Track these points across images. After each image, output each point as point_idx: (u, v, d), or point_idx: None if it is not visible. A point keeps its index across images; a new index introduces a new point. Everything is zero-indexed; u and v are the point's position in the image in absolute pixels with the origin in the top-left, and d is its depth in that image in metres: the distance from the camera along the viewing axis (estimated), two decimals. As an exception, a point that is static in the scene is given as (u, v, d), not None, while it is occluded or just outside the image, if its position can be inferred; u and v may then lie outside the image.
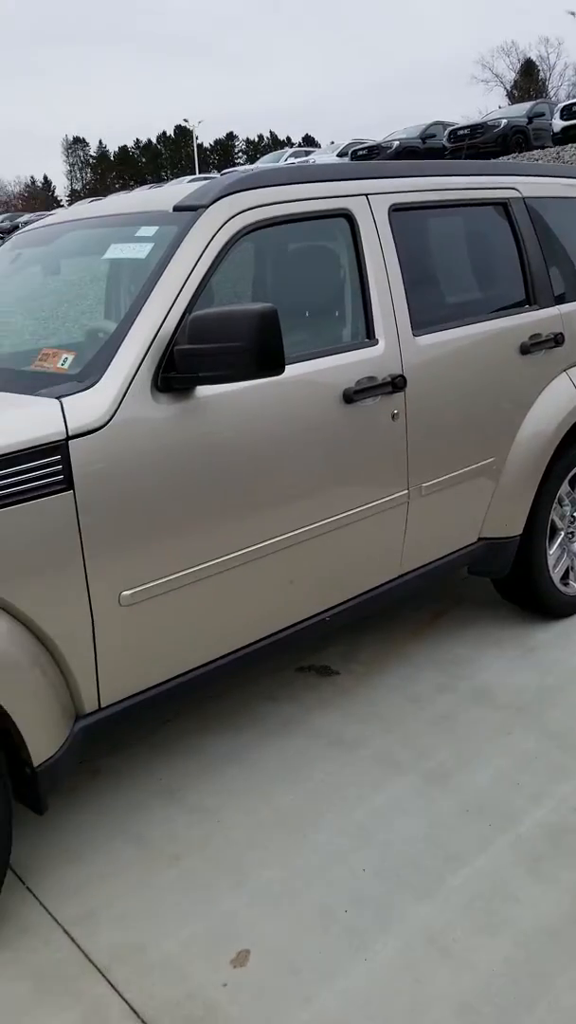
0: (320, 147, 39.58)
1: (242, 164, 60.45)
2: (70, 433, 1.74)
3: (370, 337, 2.32)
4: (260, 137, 71.10)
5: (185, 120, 60.95)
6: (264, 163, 22.32)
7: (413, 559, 2.56)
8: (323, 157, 20.44)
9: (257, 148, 68.50)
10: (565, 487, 3.03)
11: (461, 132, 18.26)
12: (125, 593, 1.86)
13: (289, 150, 24.39)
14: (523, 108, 19.34)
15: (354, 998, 1.59)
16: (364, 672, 2.82)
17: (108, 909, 1.85)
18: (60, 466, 1.73)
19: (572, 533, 3.14)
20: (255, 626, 2.15)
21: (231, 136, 71.73)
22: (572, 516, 3.13)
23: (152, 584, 1.89)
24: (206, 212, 2.03)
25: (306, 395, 2.13)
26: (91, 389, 1.80)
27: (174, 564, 1.93)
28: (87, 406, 1.78)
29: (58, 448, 1.73)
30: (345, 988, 1.61)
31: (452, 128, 18.86)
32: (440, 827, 2.05)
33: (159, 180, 55.38)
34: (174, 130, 67.25)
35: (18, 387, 1.88)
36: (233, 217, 2.04)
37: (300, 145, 53.48)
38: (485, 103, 59.13)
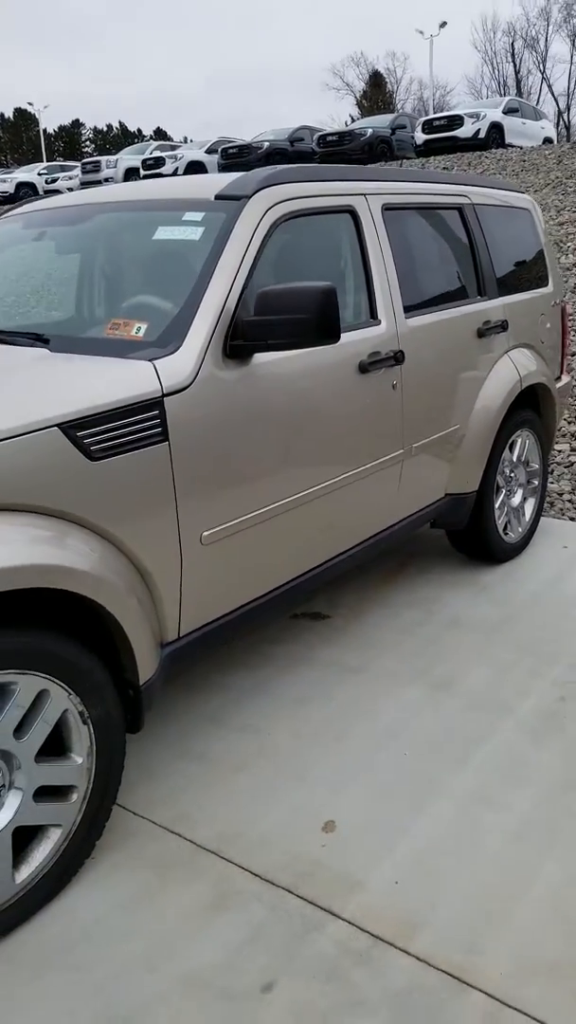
0: (172, 140, 39.45)
1: (91, 154, 58.89)
2: (165, 391, 2.00)
3: (374, 317, 2.70)
4: (109, 127, 69.50)
5: (30, 103, 58.48)
6: (127, 155, 22.11)
7: (403, 510, 2.97)
8: (192, 153, 20.57)
9: (106, 138, 66.87)
10: (506, 452, 3.55)
11: (330, 138, 18.97)
12: (205, 533, 2.13)
13: (154, 143, 24.28)
14: (386, 119, 20.36)
15: (428, 840, 1.97)
16: (351, 614, 3.21)
17: (198, 811, 2.12)
18: (158, 420, 1.99)
19: (509, 491, 3.67)
20: (298, 563, 2.48)
21: (77, 124, 69.60)
22: (509, 476, 3.66)
23: (226, 525, 2.18)
24: (249, 202, 2.33)
25: (332, 364, 2.48)
26: (175, 354, 2.07)
27: (240, 508, 2.22)
28: (174, 369, 2.04)
29: (156, 404, 1.98)
30: (419, 834, 1.99)
31: (321, 134, 19.55)
32: (453, 720, 2.47)
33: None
34: (13, 113, 64.18)
35: (102, 351, 2.10)
36: (272, 207, 2.36)
37: (152, 138, 52.91)
38: (337, 110, 61.45)
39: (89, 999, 1.60)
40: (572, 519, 4.36)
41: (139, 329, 2.17)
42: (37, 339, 2.25)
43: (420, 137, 18.24)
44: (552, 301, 3.89)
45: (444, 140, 17.83)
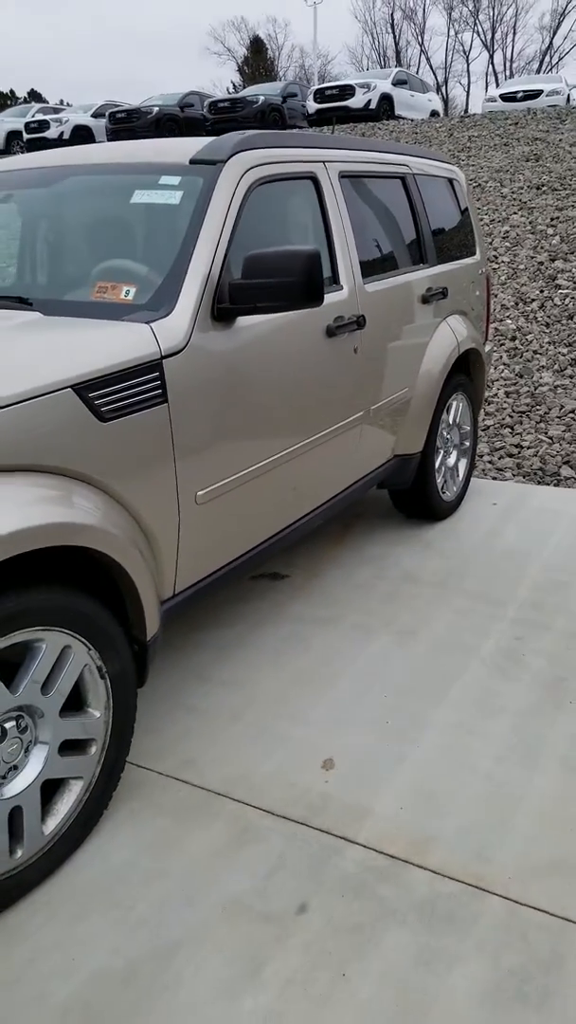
0: (48, 103, 37.65)
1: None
2: (163, 353, 2.04)
3: (336, 283, 2.79)
4: (-22, 84, 65.47)
5: None
6: (7, 118, 20.90)
7: (361, 470, 3.10)
8: (77, 117, 19.75)
9: (-25, 96, 62.92)
10: (444, 414, 3.75)
11: (222, 104, 18.67)
12: (199, 493, 2.19)
13: (36, 106, 23.13)
14: (277, 87, 20.20)
15: (423, 768, 2.13)
16: (309, 574, 3.34)
17: (201, 758, 2.21)
18: (159, 381, 2.02)
19: (446, 452, 3.88)
20: (275, 521, 2.58)
21: None
22: (446, 437, 3.86)
23: (217, 485, 2.25)
24: (226, 166, 2.36)
25: (303, 328, 2.56)
26: (168, 317, 2.10)
27: (229, 468, 2.29)
28: (169, 332, 2.08)
29: (156, 366, 2.02)
30: (413, 764, 2.15)
31: (213, 100, 19.20)
32: (424, 662, 2.65)
33: None
34: None
35: (95, 314, 2.11)
36: (246, 172, 2.40)
37: (26, 100, 50.19)
38: (219, 75, 60.18)
39: (134, 933, 1.67)
40: (495, 478, 4.64)
41: (128, 292, 2.18)
42: (21, 302, 2.23)
43: (312, 106, 18.28)
44: (479, 270, 4.10)
45: (336, 110, 17.95)
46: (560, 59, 48.28)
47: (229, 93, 36.85)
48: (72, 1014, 1.51)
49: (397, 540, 3.66)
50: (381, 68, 48.79)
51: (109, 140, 19.24)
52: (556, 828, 1.92)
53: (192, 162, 2.41)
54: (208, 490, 2.23)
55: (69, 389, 1.80)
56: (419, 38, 63.30)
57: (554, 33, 50.51)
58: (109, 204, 2.43)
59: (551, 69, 47.29)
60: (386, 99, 18.31)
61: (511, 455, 4.95)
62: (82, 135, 19.87)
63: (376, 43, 60.71)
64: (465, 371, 3.96)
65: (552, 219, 8.75)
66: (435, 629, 2.87)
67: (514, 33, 60.76)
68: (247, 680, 2.58)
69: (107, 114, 19.32)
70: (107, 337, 1.97)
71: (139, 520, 2.03)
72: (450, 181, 3.89)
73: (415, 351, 3.36)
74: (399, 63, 48.97)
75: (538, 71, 46.96)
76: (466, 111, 42.31)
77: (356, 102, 17.86)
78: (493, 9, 51.71)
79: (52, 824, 1.83)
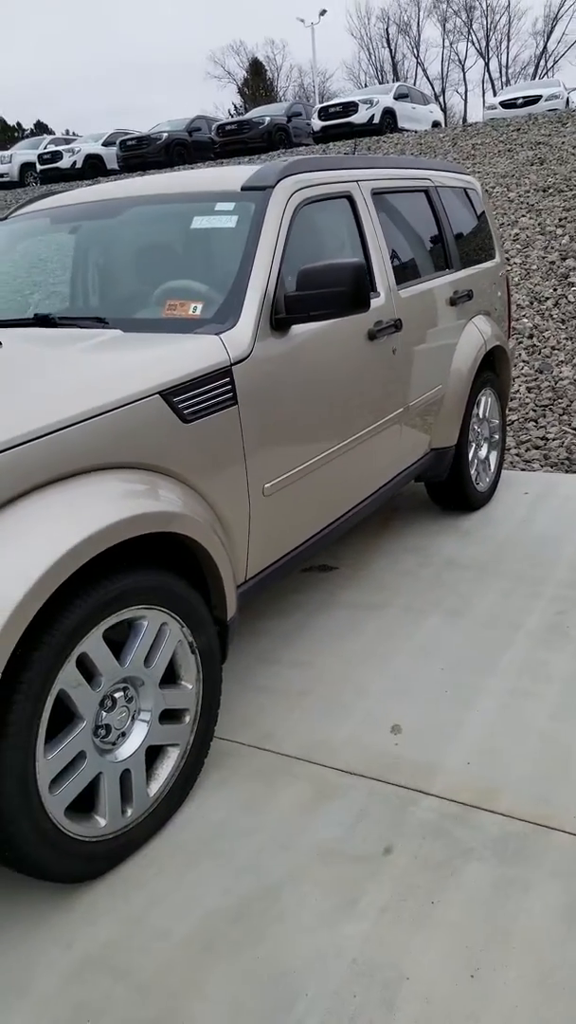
0: (53, 133, 38.41)
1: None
2: (232, 360, 2.25)
3: (374, 290, 3.00)
4: (-17, 119, 66.74)
5: None
6: (21, 151, 21.46)
7: (402, 463, 3.30)
8: (88, 146, 20.21)
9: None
10: (474, 409, 3.94)
11: (229, 127, 19.05)
12: (267, 485, 2.40)
13: (47, 137, 23.68)
14: (282, 107, 20.57)
15: (483, 729, 2.32)
16: (356, 564, 3.53)
17: (278, 729, 2.41)
18: (230, 386, 2.24)
19: (477, 444, 4.07)
20: (330, 512, 2.78)
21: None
22: (476, 431, 4.05)
23: (281, 477, 2.45)
24: (273, 191, 2.59)
25: (348, 333, 2.78)
26: (234, 329, 2.32)
27: (291, 462, 2.50)
28: (236, 341, 2.30)
29: (227, 372, 2.23)
30: (474, 725, 2.33)
31: (220, 123, 19.59)
32: (474, 638, 2.83)
33: None
34: None
35: (169, 329, 2.33)
36: (292, 195, 2.63)
37: (32, 132, 51.11)
38: (220, 98, 61.04)
39: (239, 877, 1.86)
40: (523, 469, 4.82)
41: (195, 308, 2.40)
42: (99, 322, 2.45)
43: (317, 124, 18.61)
44: (499, 272, 4.30)
45: (341, 126, 18.27)
46: (555, 63, 48.60)
47: (231, 116, 37.44)
48: (193, 946, 1.70)
49: (436, 530, 3.85)
50: (379, 83, 49.39)
51: (120, 168, 19.68)
52: (612, 775, 2.10)
53: (243, 188, 2.63)
54: (273, 483, 2.43)
55: (157, 395, 2.02)
56: (415, 51, 63.82)
57: (548, 38, 50.94)
58: (171, 230, 2.66)
59: (546, 73, 47.63)
60: (388, 113, 18.62)
61: (537, 447, 5.13)
62: (94, 163, 20.31)
63: (373, 58, 61.41)
64: (491, 368, 4.16)
65: (560, 220, 8.95)
66: (481, 609, 3.05)
67: (508, 40, 61.16)
68: (310, 661, 2.77)
69: (118, 142, 19.75)
70: (184, 348, 2.18)
71: (216, 511, 2.24)
72: (466, 190, 4.10)
73: (446, 350, 3.56)
74: (396, 76, 49.51)
75: (534, 76, 47.31)
76: (464, 120, 42.67)
77: (360, 118, 18.17)
78: (486, 18, 52.25)
79: (155, 787, 2.03)
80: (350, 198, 2.97)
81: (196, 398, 2.12)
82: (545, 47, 47.91)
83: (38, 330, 2.47)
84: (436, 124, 20.72)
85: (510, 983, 1.55)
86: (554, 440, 5.18)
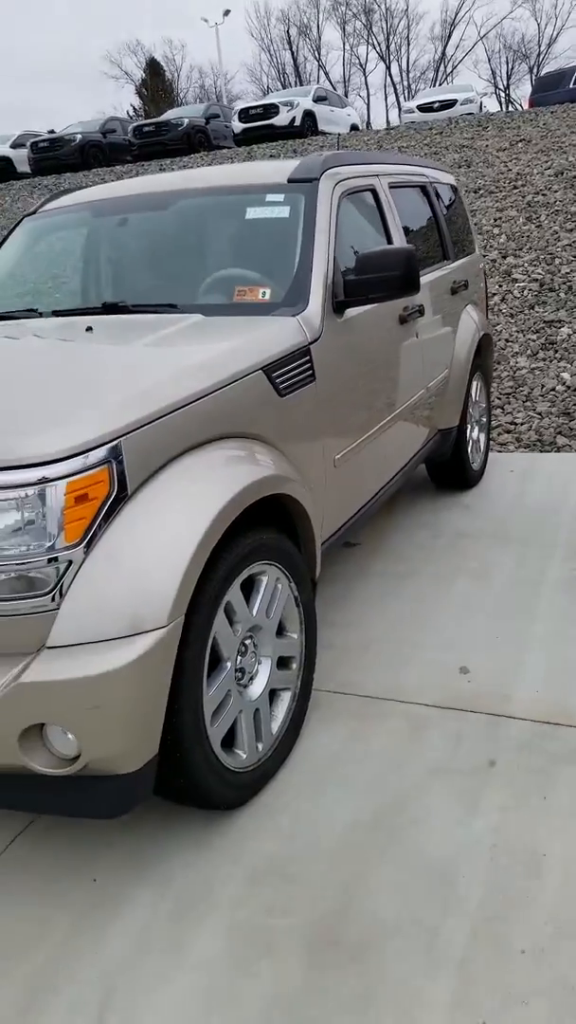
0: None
1: None
2: (309, 340, 2.48)
3: (401, 278, 3.27)
4: None
5: None
6: None
7: (420, 441, 3.59)
8: (-2, 148, 19.80)
9: None
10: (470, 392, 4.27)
11: (147, 129, 19.02)
12: (336, 457, 2.63)
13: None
14: (199, 109, 20.68)
15: (539, 661, 2.61)
16: (376, 540, 3.80)
17: (355, 677, 2.64)
18: (309, 364, 2.46)
19: (470, 425, 4.40)
20: (374, 483, 3.03)
21: None
22: (470, 413, 4.38)
23: (347, 450, 2.69)
24: (320, 182, 2.82)
25: (385, 316, 3.03)
26: (305, 312, 2.54)
27: (353, 436, 2.74)
28: (310, 322, 2.52)
29: (307, 351, 2.45)
30: (533, 661, 2.63)
31: (137, 125, 19.53)
32: (503, 595, 3.13)
33: None
34: None
35: (248, 313, 2.53)
36: (335, 186, 2.87)
37: None
38: (118, 99, 60.15)
39: (366, 795, 2.09)
40: (499, 451, 5.20)
41: (264, 294, 2.61)
42: (171, 307, 2.63)
43: (238, 126, 18.83)
44: (479, 264, 4.65)
45: (262, 128, 18.55)
46: (454, 68, 50.37)
47: (130, 117, 36.85)
48: (346, 851, 1.92)
49: (440, 507, 4.15)
50: (282, 85, 50.00)
51: (32, 171, 19.28)
52: None
53: (290, 181, 2.86)
54: (342, 454, 2.67)
55: (260, 371, 2.23)
56: (316, 53, 64.82)
57: (446, 43, 52.52)
58: (227, 221, 2.85)
59: (446, 78, 49.34)
60: (309, 116, 19.00)
61: (508, 431, 5.52)
62: (1, 166, 19.87)
63: (275, 60, 61.97)
64: (478, 354, 4.49)
65: (495, 220, 9.47)
66: (502, 571, 3.36)
67: (408, 44, 62.89)
68: (361, 622, 3.02)
69: (28, 144, 19.43)
70: (272, 329, 2.39)
71: (305, 479, 2.46)
72: (453, 187, 4.43)
73: (450, 337, 3.87)
74: (299, 79, 50.21)
75: (434, 81, 48.91)
76: (388, 123, 43.60)
77: (281, 120, 18.48)
78: (385, 21, 53.48)
79: (275, 726, 2.23)
80: (374, 191, 3.23)
81: (287, 374, 2.34)
82: (444, 52, 49.52)
83: (118, 316, 2.63)
84: (354, 127, 21.26)
85: (626, 853, 1.84)
86: (523, 424, 5.58)
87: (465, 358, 4.00)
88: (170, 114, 21.33)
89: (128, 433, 1.80)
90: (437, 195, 4.02)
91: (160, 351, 2.22)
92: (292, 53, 52.02)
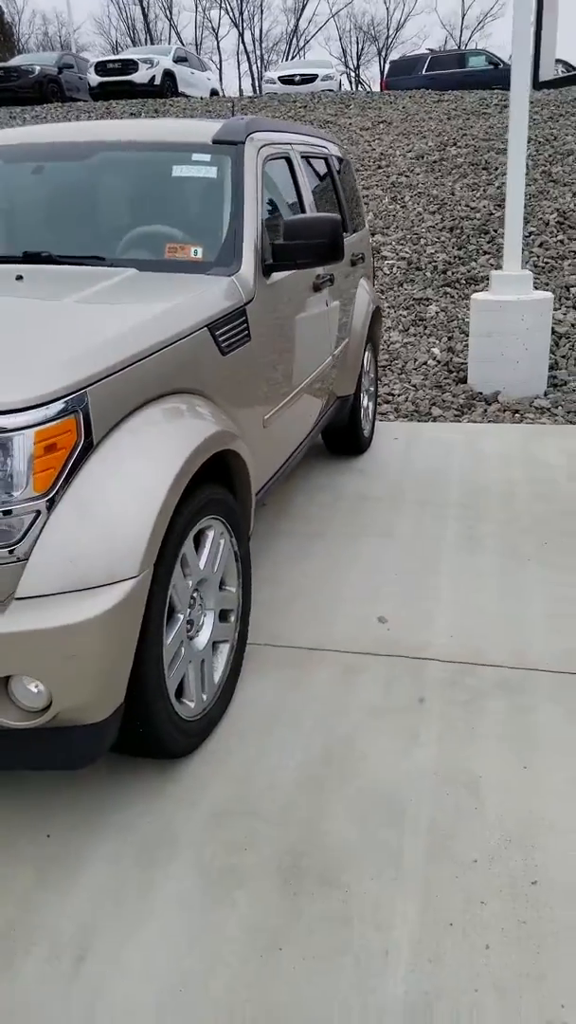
0: None
1: None
2: (244, 301, 2.51)
3: (312, 246, 3.35)
4: None
5: None
6: None
7: (327, 405, 3.71)
8: None
9: None
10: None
11: (-2, 74, 17.80)
12: (266, 417, 2.69)
13: None
14: (51, 57, 19.60)
15: (447, 610, 2.82)
16: (281, 502, 3.90)
17: (283, 630, 2.74)
18: (245, 324, 2.50)
19: (363, 394, 4.58)
20: (290, 445, 3.12)
21: None
22: (361, 381, 4.56)
23: (273, 411, 2.76)
24: (244, 146, 2.84)
25: (301, 283, 3.11)
26: (240, 272, 2.56)
27: (278, 397, 2.80)
28: (245, 283, 2.55)
29: (243, 312, 2.49)
30: (443, 610, 2.83)
31: (-12, 68, 18.23)
32: (409, 551, 3.34)
33: None
34: None
35: (183, 270, 2.52)
36: (260, 150, 2.90)
37: None
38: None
39: (312, 735, 2.20)
40: (381, 420, 5.44)
41: (196, 251, 2.61)
42: (98, 259, 2.57)
43: (94, 79, 18.04)
44: (368, 239, 4.82)
45: (120, 84, 17.88)
46: (306, 42, 50.56)
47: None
48: (302, 787, 2.02)
49: (336, 471, 4.31)
50: (132, 42, 48.20)
51: None
52: (559, 628, 2.70)
53: (215, 141, 2.85)
54: (270, 415, 2.73)
55: (205, 328, 2.24)
56: (168, 12, 62.89)
57: (299, 16, 52.53)
58: (151, 176, 2.80)
59: (299, 51, 49.46)
60: (169, 76, 18.51)
61: (387, 402, 5.78)
62: None
63: (124, 14, 59.54)
64: (371, 326, 4.67)
65: (363, 198, 9.73)
66: (404, 529, 3.57)
67: (261, 13, 62.42)
68: (281, 578, 3.12)
69: None
70: (212, 288, 2.40)
71: (242, 434, 2.51)
72: (347, 161, 4.54)
73: (349, 307, 4.01)
74: (150, 37, 48.58)
75: (287, 53, 48.90)
76: (255, 91, 42.99)
77: (140, 77, 17.89)
78: (239, -14, 52.63)
79: (216, 676, 2.29)
80: (288, 159, 3.28)
81: (228, 333, 2.37)
82: (297, 26, 49.56)
83: (47, 267, 2.53)
84: (214, 92, 20.94)
85: (552, 769, 2.06)
86: (400, 396, 5.86)
87: (360, 329, 4.16)
88: (19, 60, 20.08)
89: (94, 383, 1.78)
90: (337, 168, 4.12)
91: (109, 304, 2.18)
92: (143, 8, 50.14)
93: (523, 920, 1.64)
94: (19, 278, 2.37)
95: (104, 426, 1.81)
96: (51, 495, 1.69)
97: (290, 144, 3.32)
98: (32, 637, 1.63)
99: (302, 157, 3.48)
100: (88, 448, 1.77)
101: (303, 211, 3.33)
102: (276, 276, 2.82)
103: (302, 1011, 1.48)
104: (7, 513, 1.65)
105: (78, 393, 1.74)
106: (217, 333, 2.30)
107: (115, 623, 1.69)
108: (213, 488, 2.16)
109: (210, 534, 2.19)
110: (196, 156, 2.81)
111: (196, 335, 2.19)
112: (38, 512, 1.68)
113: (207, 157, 2.80)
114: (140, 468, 1.81)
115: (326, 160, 3.99)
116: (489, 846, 1.82)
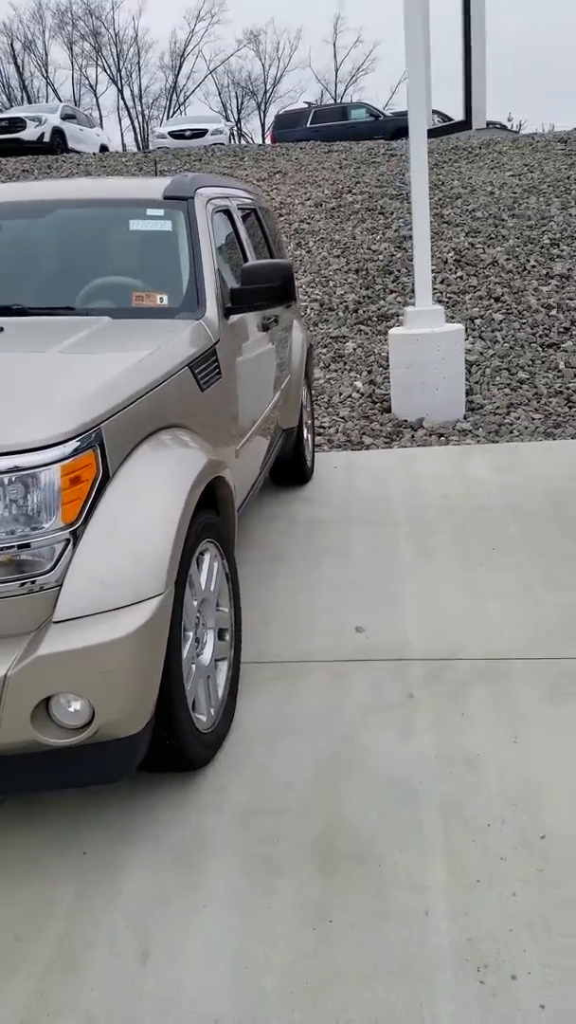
0: None
1: None
2: (214, 340, 2.70)
3: (257, 290, 3.59)
4: None
5: None
6: None
7: (277, 436, 3.92)
8: None
9: None
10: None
11: None
12: (237, 448, 2.88)
13: None
14: None
15: (417, 615, 3.04)
16: (238, 531, 4.06)
17: (266, 648, 2.89)
18: (216, 362, 2.69)
19: (303, 427, 4.82)
20: (254, 474, 3.31)
21: None
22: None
23: (243, 441, 2.94)
24: (194, 200, 3.06)
25: (253, 323, 3.33)
26: (205, 316, 2.76)
27: (245, 428, 2.99)
28: (212, 325, 2.75)
29: (214, 352, 2.68)
30: (412, 617, 3.05)
31: None
32: (370, 568, 3.56)
33: None
34: None
35: (154, 316, 2.69)
36: (207, 204, 3.12)
37: None
38: None
39: (317, 738, 2.36)
40: (316, 451, 5.70)
41: (162, 299, 2.80)
42: (68, 310, 2.71)
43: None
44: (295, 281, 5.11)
45: (10, 141, 17.95)
46: (186, 98, 51.88)
47: None
48: (317, 783, 2.17)
49: (285, 501, 4.52)
50: (8, 100, 48.33)
51: None
52: (519, 621, 2.96)
53: (166, 197, 3.06)
54: (240, 445, 2.92)
55: (187, 367, 2.42)
56: (43, 71, 63.31)
57: (177, 73, 53.86)
58: (109, 231, 2.98)
59: (180, 107, 50.73)
60: (58, 133, 18.72)
61: (319, 434, 6.05)
62: None
63: (-1, 73, 59.63)
64: (306, 362, 4.94)
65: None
66: (361, 547, 3.80)
67: (139, 71, 63.67)
68: (253, 601, 3.28)
69: None
70: (186, 331, 2.59)
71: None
72: (268, 209, 4.84)
73: (288, 345, 4.26)
74: (26, 95, 48.84)
75: (168, 109, 50.11)
76: (138, 147, 43.54)
77: (29, 135, 18.01)
78: (115, 46, 53.62)
79: (220, 692, 2.42)
80: (228, 211, 3.52)
81: (204, 370, 2.55)
82: (176, 82, 50.85)
83: (21, 318, 2.66)
84: (104, 148, 21.28)
85: (539, 741, 2.29)
86: (330, 427, 6.15)
87: (299, 365, 4.42)
88: None
89: (107, 420, 1.92)
90: (263, 217, 4.40)
91: (100, 350, 2.33)
92: (17, 67, 50.35)
93: (540, 868, 1.83)
94: None
95: (117, 459, 1.96)
96: (77, 525, 1.82)
97: (227, 197, 3.57)
98: (75, 656, 1.74)
99: (238, 208, 3.73)
100: (105, 479, 1.91)
101: (245, 258, 3.57)
102: (233, 318, 3.03)
103: (361, 969, 1.62)
104: (40, 542, 1.76)
105: (95, 429, 1.88)
106: (196, 371, 2.48)
107: (147, 637, 1.82)
108: (208, 513, 2.32)
109: (207, 556, 2.34)
110: (151, 211, 3.01)
111: (181, 374, 2.36)
112: (68, 541, 1.80)
113: (161, 212, 3.01)
114: (154, 495, 1.96)
115: (255, 211, 4.26)
116: (497, 811, 2.02)
